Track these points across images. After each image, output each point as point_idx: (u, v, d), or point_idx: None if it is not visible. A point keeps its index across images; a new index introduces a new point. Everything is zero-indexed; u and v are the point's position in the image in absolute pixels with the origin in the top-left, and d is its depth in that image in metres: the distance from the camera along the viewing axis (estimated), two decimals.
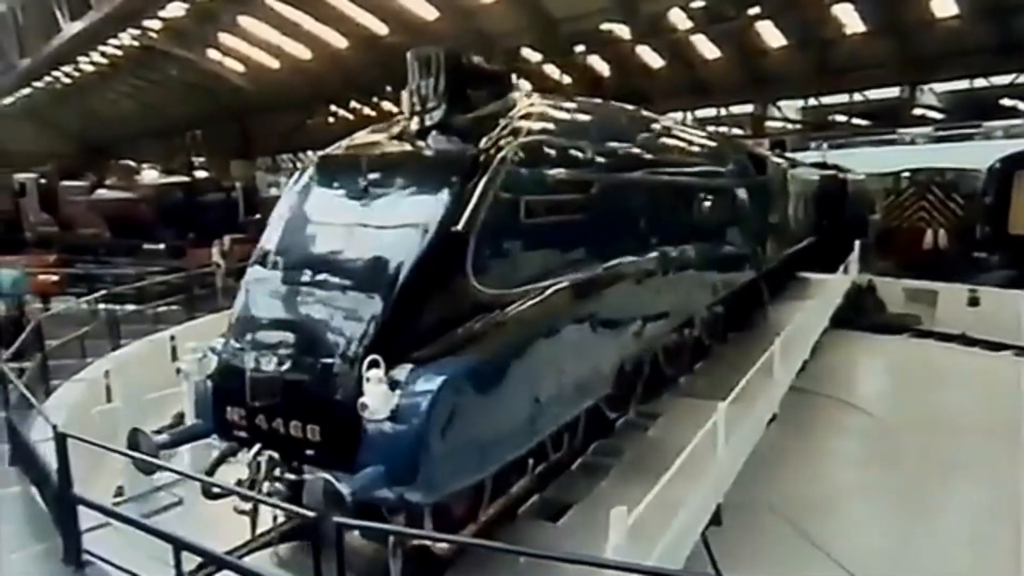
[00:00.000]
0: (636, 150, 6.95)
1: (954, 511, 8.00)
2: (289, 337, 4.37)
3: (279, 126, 44.81)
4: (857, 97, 30.35)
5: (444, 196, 4.46)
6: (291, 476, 4.24)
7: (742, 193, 10.09)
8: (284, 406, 4.22)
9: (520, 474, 5.14)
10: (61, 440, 4.62)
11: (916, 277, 17.98)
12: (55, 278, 19.93)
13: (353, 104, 41.64)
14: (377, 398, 3.79)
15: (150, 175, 34.58)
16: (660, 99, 31.09)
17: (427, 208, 4.44)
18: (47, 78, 47.88)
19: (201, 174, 41.97)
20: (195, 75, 42.75)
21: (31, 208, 29.75)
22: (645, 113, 8.29)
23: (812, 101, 32.01)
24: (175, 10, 34.09)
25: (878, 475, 9.06)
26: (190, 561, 3.85)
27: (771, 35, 28.42)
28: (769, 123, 32.59)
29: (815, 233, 16.88)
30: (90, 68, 45.69)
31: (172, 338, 10.47)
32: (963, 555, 7.08)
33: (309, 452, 4.15)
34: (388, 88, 35.06)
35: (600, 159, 5.92)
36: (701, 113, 33.92)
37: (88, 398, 8.09)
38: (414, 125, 5.14)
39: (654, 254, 6.69)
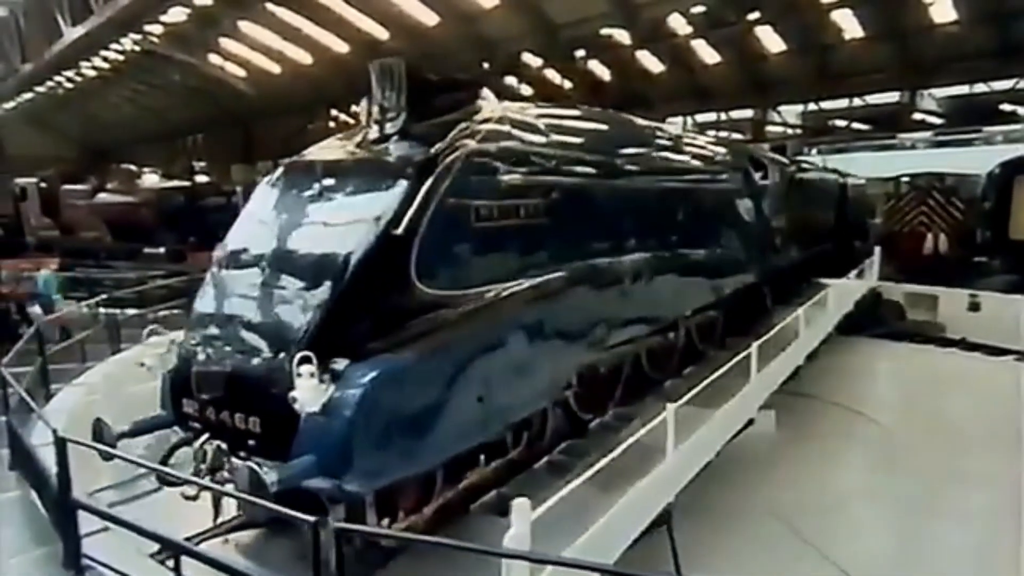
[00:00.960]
0: (606, 155, 6.84)
1: (955, 516, 7.98)
2: (236, 332, 4.57)
3: (281, 130, 44.84)
4: (857, 102, 30.35)
5: (391, 199, 4.55)
6: (238, 464, 4.31)
7: (734, 197, 9.96)
8: (229, 398, 4.41)
9: (472, 469, 5.23)
10: (61, 445, 4.63)
11: (917, 282, 17.98)
12: None
13: (354, 108, 41.65)
14: (307, 392, 3.90)
15: (151, 179, 34.81)
16: (661, 104, 31.20)
17: (373, 211, 4.53)
18: (49, 83, 48.10)
19: (202, 178, 42.13)
20: (196, 80, 42.84)
21: (32, 212, 29.88)
22: (625, 117, 8.20)
23: (812, 106, 32.01)
24: (176, 15, 34.22)
25: (879, 480, 9.06)
26: (188, 564, 3.85)
27: (771, 40, 28.47)
28: (769, 128, 32.63)
29: (830, 237, 16.64)
30: (92, 73, 45.84)
31: (172, 343, 10.43)
32: (964, 559, 7.08)
33: (251, 443, 4.31)
34: None
35: (562, 164, 5.87)
36: (702, 118, 33.96)
37: (88, 402, 8.08)
38: (373, 133, 5.24)
39: (623, 259, 6.62)
